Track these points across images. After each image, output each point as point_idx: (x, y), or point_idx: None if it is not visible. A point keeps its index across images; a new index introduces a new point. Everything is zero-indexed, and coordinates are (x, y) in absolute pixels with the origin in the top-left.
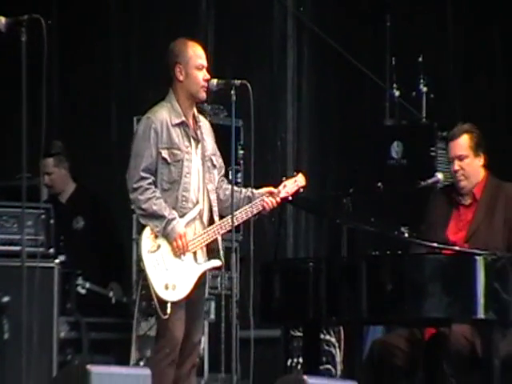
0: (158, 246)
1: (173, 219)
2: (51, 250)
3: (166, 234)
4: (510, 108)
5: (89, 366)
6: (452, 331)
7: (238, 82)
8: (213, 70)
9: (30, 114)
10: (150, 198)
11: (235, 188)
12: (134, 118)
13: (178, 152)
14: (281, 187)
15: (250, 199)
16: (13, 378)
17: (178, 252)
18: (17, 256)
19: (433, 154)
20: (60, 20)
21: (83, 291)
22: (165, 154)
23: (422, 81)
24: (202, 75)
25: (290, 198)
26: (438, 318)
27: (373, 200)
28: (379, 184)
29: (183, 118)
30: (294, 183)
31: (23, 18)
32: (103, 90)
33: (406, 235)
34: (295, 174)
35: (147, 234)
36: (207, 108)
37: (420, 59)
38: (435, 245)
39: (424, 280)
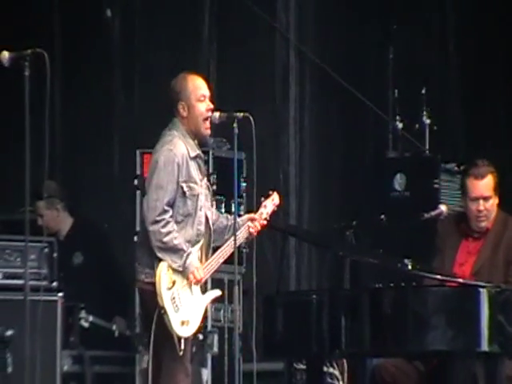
0: (174, 282)
1: (189, 253)
2: (54, 284)
3: (185, 268)
4: None
5: None
6: (454, 363)
7: (240, 114)
8: (215, 103)
9: (33, 148)
10: (171, 232)
11: (221, 215)
12: (137, 152)
13: (195, 186)
14: (262, 208)
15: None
16: None
17: (195, 284)
18: (20, 290)
19: (436, 186)
20: (63, 54)
21: (86, 324)
22: (185, 187)
23: (425, 113)
24: (204, 106)
25: (268, 218)
26: (441, 350)
27: (376, 232)
28: (382, 216)
29: (198, 151)
30: (272, 202)
31: (27, 53)
32: (106, 123)
33: (409, 267)
34: (270, 193)
35: (164, 270)
36: (210, 141)
37: (423, 91)
38: (439, 277)
39: (427, 312)
